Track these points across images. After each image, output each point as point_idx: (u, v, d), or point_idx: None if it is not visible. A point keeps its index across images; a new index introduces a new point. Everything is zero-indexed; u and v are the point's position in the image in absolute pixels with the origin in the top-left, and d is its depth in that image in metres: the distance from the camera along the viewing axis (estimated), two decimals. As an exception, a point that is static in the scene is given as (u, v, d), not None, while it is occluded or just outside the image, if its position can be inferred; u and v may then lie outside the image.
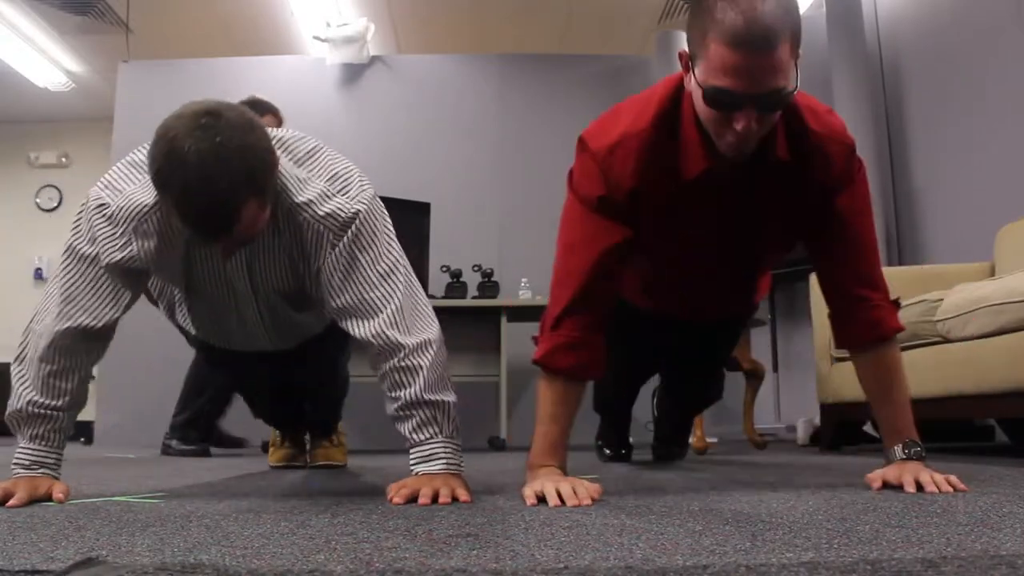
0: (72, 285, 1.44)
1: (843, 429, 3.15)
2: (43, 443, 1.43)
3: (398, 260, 1.51)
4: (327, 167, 1.51)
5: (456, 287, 4.33)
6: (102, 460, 2.99)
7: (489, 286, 4.54)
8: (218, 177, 1.23)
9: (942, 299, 2.40)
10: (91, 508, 1.28)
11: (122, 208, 1.42)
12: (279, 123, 3.74)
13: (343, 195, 1.48)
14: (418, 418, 1.43)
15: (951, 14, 3.70)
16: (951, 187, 3.70)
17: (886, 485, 1.42)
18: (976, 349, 2.22)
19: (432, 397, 1.43)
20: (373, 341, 1.45)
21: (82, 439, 4.80)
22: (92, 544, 0.89)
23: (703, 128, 1.40)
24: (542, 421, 1.46)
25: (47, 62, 6.08)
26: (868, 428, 3.29)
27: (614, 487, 1.59)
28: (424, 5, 5.53)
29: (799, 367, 4.38)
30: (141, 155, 1.44)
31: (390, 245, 1.52)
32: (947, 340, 2.36)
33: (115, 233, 1.43)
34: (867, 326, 1.52)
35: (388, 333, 1.44)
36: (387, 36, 5.81)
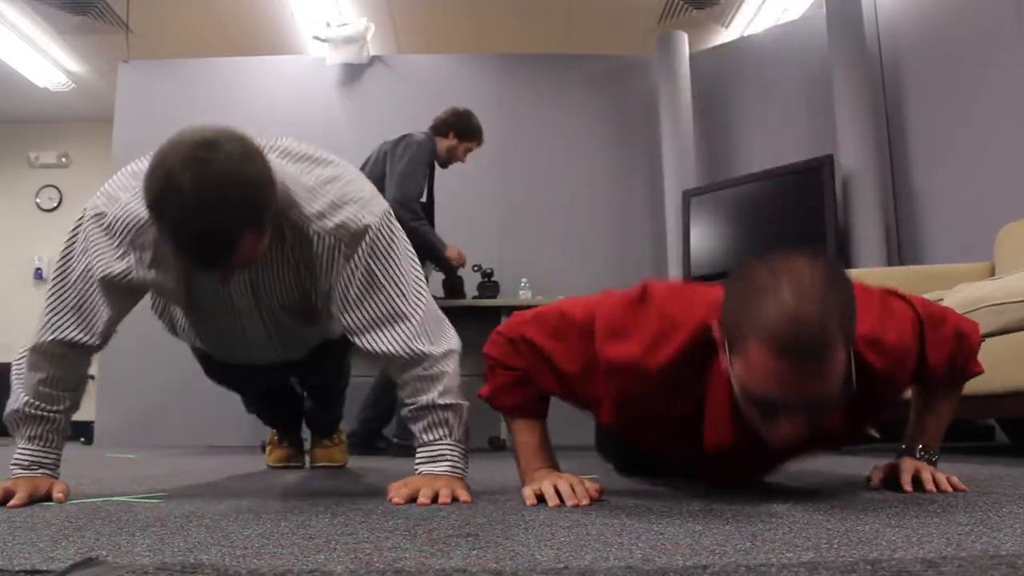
0: (60, 297, 1.41)
1: (843, 429, 3.14)
2: (41, 444, 1.42)
3: (416, 272, 1.49)
4: (337, 175, 1.47)
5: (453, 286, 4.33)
6: (102, 460, 2.99)
7: (489, 286, 4.54)
8: (214, 212, 1.19)
9: (942, 299, 2.40)
10: (91, 508, 1.28)
11: (119, 219, 1.39)
12: (463, 143, 3.73)
13: (355, 204, 1.43)
14: (431, 419, 1.44)
15: (951, 14, 3.70)
16: (951, 187, 3.70)
17: (885, 480, 1.42)
18: (976, 349, 2.21)
19: (447, 401, 1.43)
20: (401, 354, 1.43)
21: (82, 439, 4.80)
22: (92, 544, 0.89)
23: (734, 401, 1.19)
24: (516, 436, 1.45)
25: (47, 62, 6.08)
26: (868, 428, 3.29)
27: (614, 487, 1.59)
28: (424, 5, 5.53)
29: (799, 367, 4.38)
30: (141, 164, 1.41)
31: (407, 256, 1.49)
32: (947, 340, 2.35)
33: (111, 244, 1.40)
34: (951, 377, 1.41)
35: (414, 345, 1.42)
36: (387, 36, 5.81)
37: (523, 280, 4.55)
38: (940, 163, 3.78)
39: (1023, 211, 2.98)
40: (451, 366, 1.45)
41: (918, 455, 1.45)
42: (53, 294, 1.42)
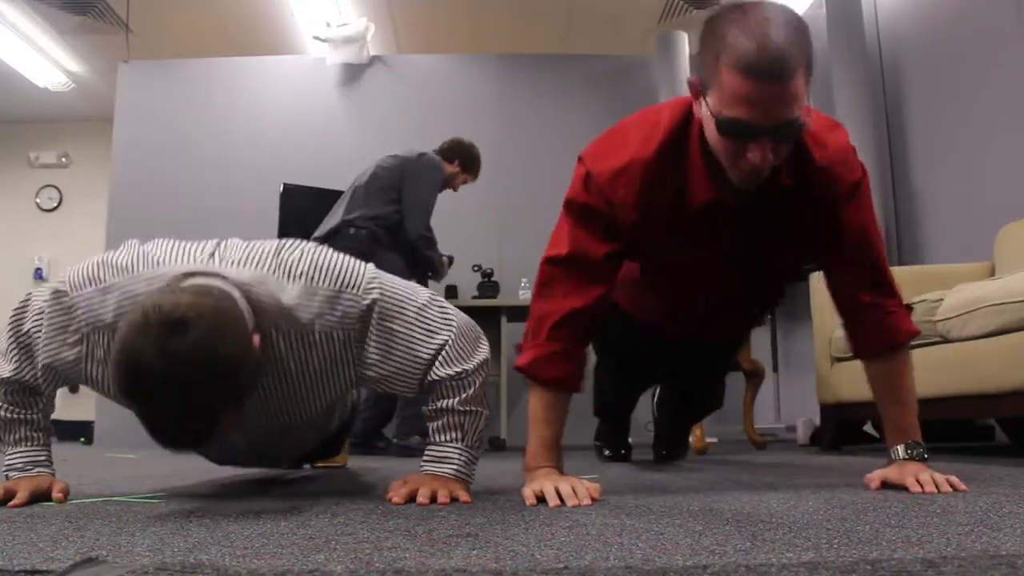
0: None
1: (843, 429, 3.14)
2: (29, 444, 1.42)
3: (427, 294, 1.43)
4: (318, 269, 1.34)
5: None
6: (102, 460, 2.99)
7: (489, 286, 4.54)
8: (189, 406, 1.10)
9: (942, 299, 2.40)
10: (91, 508, 1.28)
11: (80, 307, 1.30)
12: (463, 174, 3.77)
13: (349, 289, 1.34)
14: (446, 420, 1.41)
15: (951, 14, 3.70)
16: (951, 187, 3.69)
17: (885, 485, 1.42)
18: (976, 349, 2.22)
19: (467, 408, 1.41)
20: (444, 380, 1.39)
21: (82, 439, 4.80)
22: (92, 544, 0.89)
23: (710, 157, 1.38)
24: (535, 425, 1.46)
25: (47, 62, 6.08)
26: (868, 428, 3.29)
27: (614, 487, 1.59)
28: (424, 5, 5.53)
29: (799, 367, 4.38)
30: (111, 258, 1.33)
31: (415, 293, 1.42)
32: (947, 340, 2.35)
33: (66, 326, 1.31)
34: (882, 334, 1.51)
35: (452, 370, 1.38)
36: (387, 36, 5.81)
37: (523, 280, 4.55)
38: (940, 163, 3.78)
39: (1023, 211, 2.98)
40: (480, 377, 1.43)
41: (907, 455, 1.46)
42: None
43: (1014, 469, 1.83)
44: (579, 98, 5.13)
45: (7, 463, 1.41)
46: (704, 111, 1.31)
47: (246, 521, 1.10)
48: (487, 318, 4.12)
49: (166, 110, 5.16)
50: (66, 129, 7.20)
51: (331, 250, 1.40)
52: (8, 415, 1.40)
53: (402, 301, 1.38)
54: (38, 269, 7.03)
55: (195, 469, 2.38)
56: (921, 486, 1.35)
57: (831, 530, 0.94)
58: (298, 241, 1.40)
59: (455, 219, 4.25)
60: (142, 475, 2.12)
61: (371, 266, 1.41)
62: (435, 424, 1.43)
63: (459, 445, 1.42)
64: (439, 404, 1.41)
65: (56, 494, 1.37)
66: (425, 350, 1.37)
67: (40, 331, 1.33)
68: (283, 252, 1.35)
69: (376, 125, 5.06)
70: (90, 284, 1.31)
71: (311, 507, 1.28)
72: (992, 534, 0.88)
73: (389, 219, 3.49)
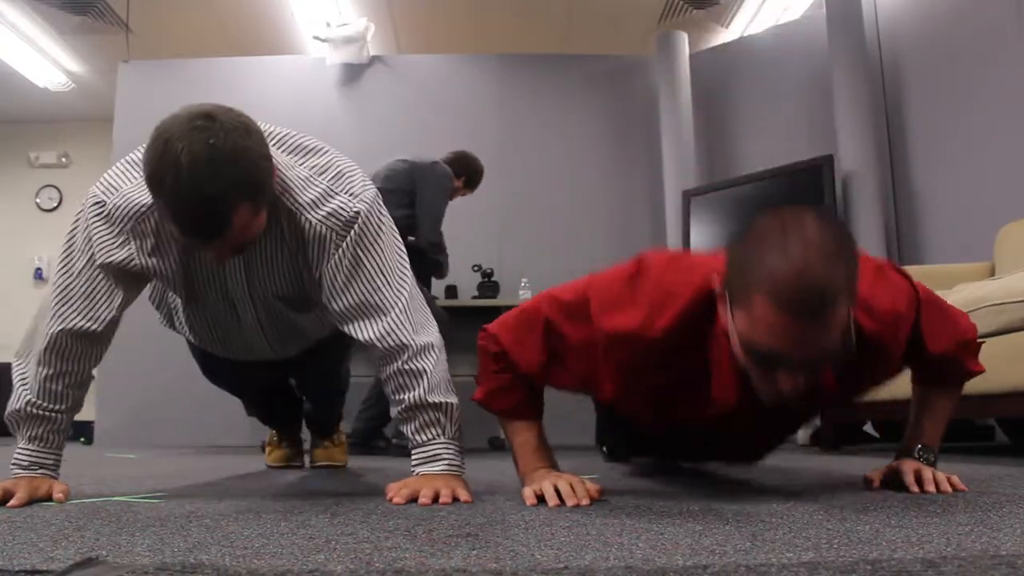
0: (67, 287, 1.43)
1: (843, 429, 3.14)
2: (42, 444, 1.42)
3: (401, 261, 1.51)
4: (330, 165, 1.49)
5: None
6: (102, 460, 2.99)
7: (489, 286, 4.55)
8: (209, 181, 1.20)
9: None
10: (91, 508, 1.28)
11: (119, 207, 1.41)
12: (464, 188, 3.85)
13: (346, 193, 1.46)
14: (421, 419, 1.43)
15: (951, 14, 3.70)
16: (951, 187, 3.70)
17: (885, 480, 1.42)
18: (976, 349, 2.21)
19: (435, 399, 1.43)
20: (379, 344, 1.44)
21: (82, 439, 4.80)
22: (92, 544, 0.89)
23: (735, 360, 1.19)
24: (514, 437, 1.46)
25: (47, 62, 6.08)
26: (868, 428, 3.29)
27: (614, 487, 1.59)
28: (424, 5, 5.53)
29: (799, 367, 4.38)
30: (140, 154, 1.40)
31: (394, 245, 1.51)
32: (947, 340, 2.35)
33: (112, 232, 1.42)
34: (954, 376, 1.45)
35: (395, 334, 1.43)
36: (387, 36, 5.81)
37: (523, 280, 4.55)
38: (940, 163, 3.78)
39: (1023, 211, 2.98)
40: (430, 361, 1.44)
41: (916, 455, 1.45)
42: (59, 285, 1.44)
43: (1014, 469, 1.83)
44: (579, 98, 5.13)
45: (14, 457, 1.41)
46: (730, 324, 1.15)
47: (246, 521, 1.10)
48: (487, 318, 4.12)
49: (166, 110, 5.08)
50: (66, 129, 7.20)
51: (351, 162, 1.53)
52: (33, 410, 1.41)
53: (381, 234, 1.48)
54: (38, 269, 7.03)
55: (195, 469, 2.38)
56: (921, 485, 1.35)
57: (831, 530, 0.94)
58: (325, 145, 1.54)
59: (455, 219, 4.25)
60: (142, 475, 2.12)
61: (375, 191, 1.51)
62: (412, 425, 1.44)
63: (443, 440, 1.43)
64: (405, 399, 1.42)
65: (56, 495, 1.37)
66: (379, 297, 1.45)
67: (91, 242, 1.43)
68: (308, 139, 1.52)
69: (376, 125, 5.06)
70: (124, 182, 1.42)
71: (311, 507, 1.27)
72: (992, 534, 0.88)
73: (398, 223, 3.50)
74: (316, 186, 1.45)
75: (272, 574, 0.72)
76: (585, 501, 1.27)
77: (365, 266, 1.45)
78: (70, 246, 1.46)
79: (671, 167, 4.75)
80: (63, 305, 1.42)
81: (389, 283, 1.47)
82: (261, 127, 1.36)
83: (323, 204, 1.44)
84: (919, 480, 1.36)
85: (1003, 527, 0.93)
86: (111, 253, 1.42)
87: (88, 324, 1.42)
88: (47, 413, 1.42)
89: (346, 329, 1.49)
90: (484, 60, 5.30)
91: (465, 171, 3.84)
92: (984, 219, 3.29)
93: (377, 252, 1.47)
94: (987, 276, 2.82)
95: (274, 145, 1.46)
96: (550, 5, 5.47)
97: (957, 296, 2.33)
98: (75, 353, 1.44)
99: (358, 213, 1.45)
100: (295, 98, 5.16)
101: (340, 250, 1.44)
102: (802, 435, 3.77)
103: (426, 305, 1.53)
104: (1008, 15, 3.28)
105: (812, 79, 4.51)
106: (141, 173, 1.38)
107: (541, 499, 1.29)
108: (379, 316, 1.45)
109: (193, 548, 0.86)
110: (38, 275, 7.02)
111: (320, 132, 5.53)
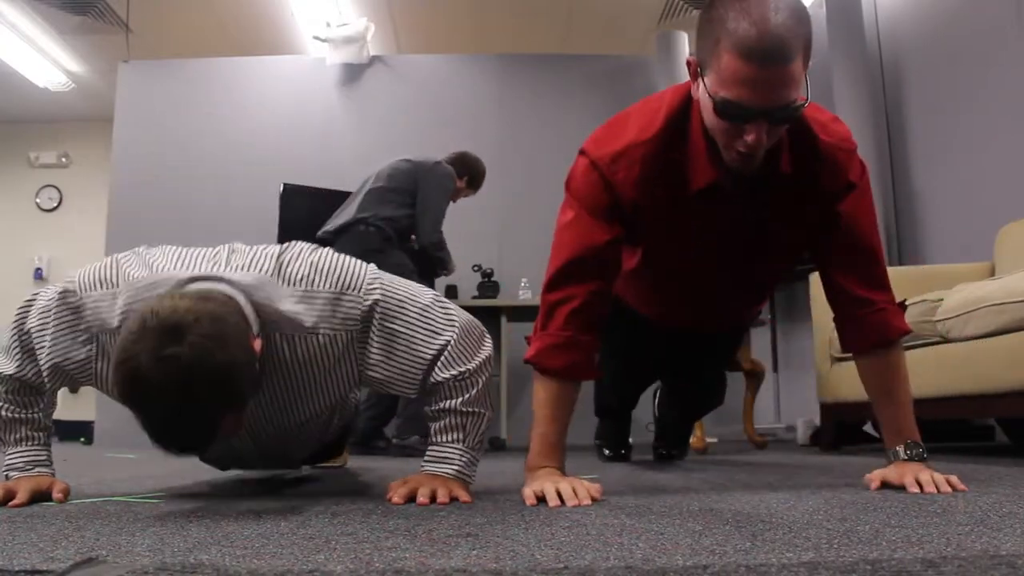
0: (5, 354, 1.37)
1: (843, 429, 3.14)
2: (30, 444, 1.42)
3: (430, 294, 1.43)
4: (311, 273, 1.34)
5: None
6: (102, 460, 2.99)
7: (489, 286, 4.55)
8: (188, 412, 1.10)
9: (942, 299, 2.40)
10: (91, 508, 1.28)
11: (89, 308, 1.30)
12: (467, 189, 3.88)
13: (354, 291, 1.34)
14: (447, 422, 1.41)
15: (951, 14, 3.70)
16: (951, 187, 3.69)
17: (885, 485, 1.42)
18: (976, 349, 2.22)
19: (470, 409, 1.40)
20: (446, 382, 1.38)
21: (82, 439, 4.79)
22: (92, 544, 0.89)
23: (711, 139, 1.39)
24: (539, 422, 1.46)
25: (47, 62, 6.08)
26: (868, 428, 3.29)
27: (614, 487, 1.59)
28: (424, 5, 5.53)
29: (799, 367, 4.38)
30: (119, 265, 1.32)
31: (417, 292, 1.42)
32: (947, 340, 2.35)
33: (75, 325, 1.31)
34: (873, 329, 1.51)
35: (453, 370, 1.38)
36: (387, 36, 5.81)
37: (523, 280, 4.55)
38: (940, 163, 3.78)
39: (1023, 211, 2.98)
40: (483, 378, 1.42)
41: (907, 456, 1.46)
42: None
43: (1014, 469, 1.84)
44: (579, 98, 5.13)
45: (7, 463, 1.41)
46: (702, 92, 1.32)
47: (246, 521, 1.10)
48: (487, 318, 4.12)
49: (166, 110, 5.16)
50: (66, 129, 7.20)
51: (331, 252, 1.40)
52: (9, 415, 1.40)
53: (404, 301, 1.38)
54: (38, 269, 7.03)
55: (195, 469, 2.38)
56: (921, 487, 1.35)
57: (831, 530, 0.94)
58: (299, 245, 1.40)
59: (455, 219, 4.25)
60: (142, 475, 2.12)
61: (372, 266, 1.41)
62: (437, 424, 1.43)
63: (460, 446, 1.41)
64: (441, 405, 1.41)
65: (56, 494, 1.37)
66: (427, 350, 1.37)
67: (45, 331, 1.33)
68: (283, 256, 1.35)
69: (376, 125, 5.06)
70: (100, 286, 1.32)
71: (311, 507, 1.28)
72: (992, 534, 0.88)
73: (400, 223, 3.53)
74: (318, 304, 1.32)
75: (272, 574, 0.72)
76: (586, 502, 1.27)
77: (400, 334, 1.37)
78: (19, 330, 1.37)
79: (671, 167, 4.75)
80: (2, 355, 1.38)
81: (436, 332, 1.38)
82: (220, 262, 1.30)
83: (335, 314, 1.33)
84: (919, 483, 1.36)
85: (1003, 527, 0.93)
86: (69, 351, 1.31)
87: (24, 375, 1.37)
88: (23, 415, 1.40)
89: (393, 388, 1.41)
90: (484, 60, 5.30)
91: (467, 171, 3.86)
92: (984, 219, 3.28)
93: (407, 316, 1.37)
94: (987, 276, 2.82)
95: (256, 291, 1.29)
96: (550, 5, 5.47)
97: (957, 296, 2.33)
98: (24, 391, 1.39)
99: (374, 304, 1.35)
100: (295, 98, 5.16)
101: (369, 338, 1.36)
102: (802, 435, 3.77)
103: (470, 319, 1.46)
104: (1008, 15, 3.27)
105: (812, 78, 4.49)
106: (121, 283, 1.30)
107: (541, 499, 1.29)
108: (431, 364, 1.38)
109: (193, 548, 0.86)
110: (38, 275, 7.02)
111: (320, 132, 5.53)
